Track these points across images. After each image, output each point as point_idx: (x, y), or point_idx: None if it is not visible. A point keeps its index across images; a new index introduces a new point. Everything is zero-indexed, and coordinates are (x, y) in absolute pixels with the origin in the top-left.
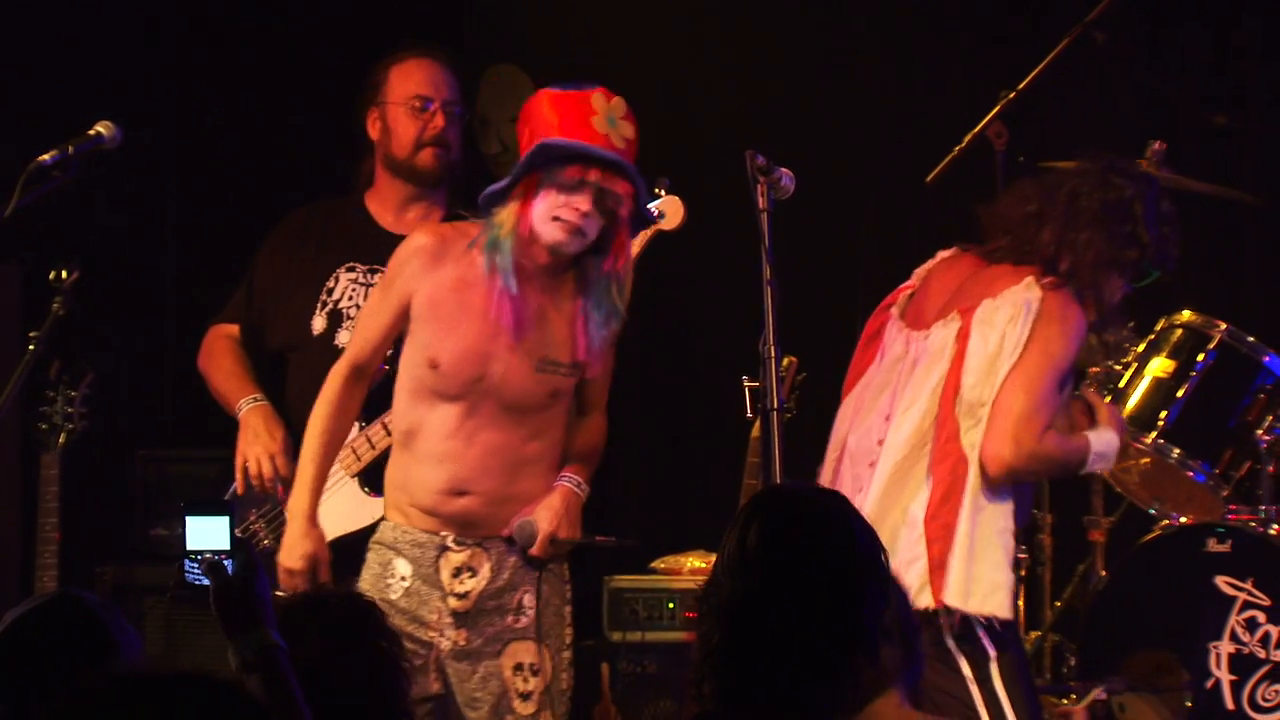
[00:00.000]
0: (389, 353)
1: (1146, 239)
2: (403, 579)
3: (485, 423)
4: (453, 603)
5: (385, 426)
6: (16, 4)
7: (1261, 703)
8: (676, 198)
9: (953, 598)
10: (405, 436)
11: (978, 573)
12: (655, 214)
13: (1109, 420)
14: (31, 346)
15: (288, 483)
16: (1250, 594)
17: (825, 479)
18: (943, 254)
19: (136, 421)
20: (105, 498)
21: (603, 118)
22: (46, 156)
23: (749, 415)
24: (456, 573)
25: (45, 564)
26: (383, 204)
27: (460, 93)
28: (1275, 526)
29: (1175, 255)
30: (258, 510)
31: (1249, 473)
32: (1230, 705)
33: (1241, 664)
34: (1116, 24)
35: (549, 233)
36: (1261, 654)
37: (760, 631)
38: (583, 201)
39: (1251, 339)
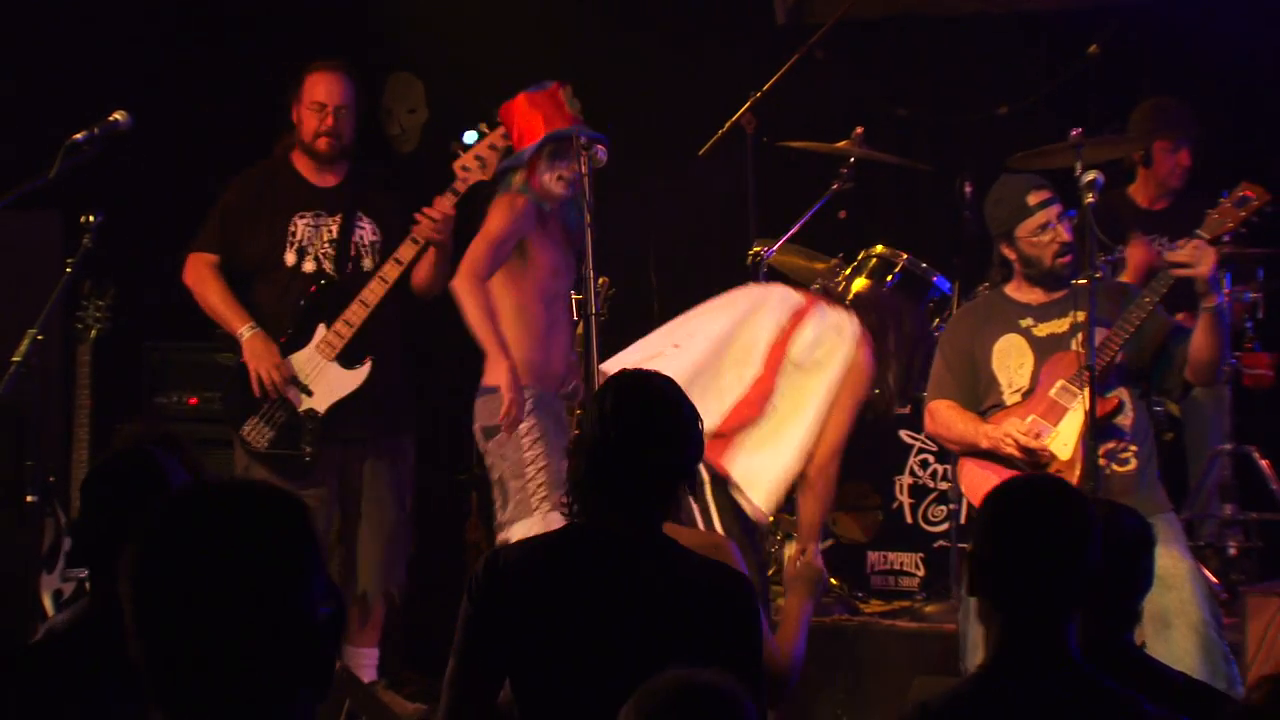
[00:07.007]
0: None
1: None
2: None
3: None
4: None
5: (347, 321)
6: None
7: (931, 519)
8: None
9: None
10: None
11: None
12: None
13: None
14: (68, 270)
15: (288, 381)
16: (923, 442)
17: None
18: None
19: (145, 322)
20: (123, 377)
21: (568, 105)
22: (79, 135)
23: (575, 319)
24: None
25: (80, 423)
26: (304, 167)
27: (354, 93)
28: None
29: None
30: (256, 414)
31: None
32: (910, 520)
33: (917, 491)
34: (832, 45)
35: (558, 188)
36: (931, 485)
37: (612, 466)
38: (580, 164)
39: (924, 265)
